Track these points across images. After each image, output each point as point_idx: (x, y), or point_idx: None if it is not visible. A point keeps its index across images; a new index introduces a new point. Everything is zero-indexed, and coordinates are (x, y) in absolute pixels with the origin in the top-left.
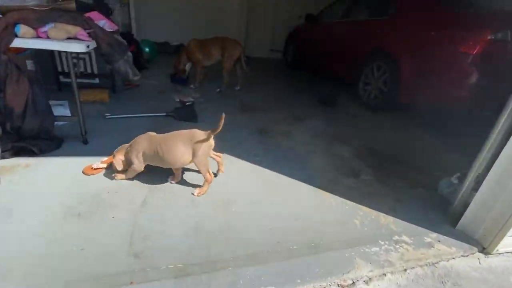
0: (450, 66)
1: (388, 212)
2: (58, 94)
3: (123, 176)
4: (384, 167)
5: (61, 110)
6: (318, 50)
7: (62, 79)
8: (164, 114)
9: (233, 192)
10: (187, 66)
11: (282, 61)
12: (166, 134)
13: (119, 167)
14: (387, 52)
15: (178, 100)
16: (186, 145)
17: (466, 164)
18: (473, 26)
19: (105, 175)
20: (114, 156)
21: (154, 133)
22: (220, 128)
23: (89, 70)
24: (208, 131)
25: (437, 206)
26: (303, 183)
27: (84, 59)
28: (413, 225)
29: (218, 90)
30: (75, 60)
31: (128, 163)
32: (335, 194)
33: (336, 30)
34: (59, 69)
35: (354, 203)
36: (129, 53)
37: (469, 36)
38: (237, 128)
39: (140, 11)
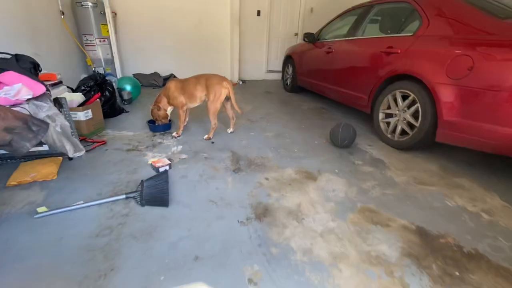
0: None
1: None
2: None
3: None
4: (454, 277)
5: None
6: (321, 74)
7: None
8: (124, 196)
9: None
10: (169, 110)
11: (280, 84)
12: None
13: None
14: (415, 78)
15: (150, 163)
16: None
17: None
18: None
19: None
20: None
21: None
22: None
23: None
24: None
25: None
26: None
27: None
28: None
29: (206, 137)
30: None
31: None
32: None
33: (342, 50)
34: None
35: None
36: (65, 123)
37: None
38: (225, 209)
39: (123, 43)
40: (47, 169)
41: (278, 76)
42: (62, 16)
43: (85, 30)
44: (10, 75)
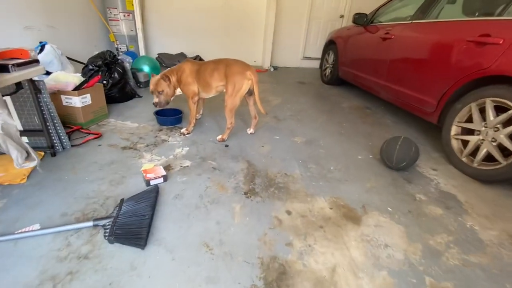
0: None
1: None
2: None
3: None
4: None
5: None
6: (371, 65)
7: None
8: (91, 224)
9: None
10: (177, 92)
11: (318, 74)
12: None
13: None
14: None
15: (142, 171)
16: None
17: None
18: None
19: None
20: None
21: None
22: None
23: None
24: None
25: None
26: None
27: None
28: None
29: (219, 138)
30: None
31: None
32: None
33: (405, 37)
34: None
35: None
36: (9, 121)
37: None
38: (223, 263)
39: (150, 20)
40: (18, 170)
41: (315, 64)
42: None
43: (110, 3)
44: None
